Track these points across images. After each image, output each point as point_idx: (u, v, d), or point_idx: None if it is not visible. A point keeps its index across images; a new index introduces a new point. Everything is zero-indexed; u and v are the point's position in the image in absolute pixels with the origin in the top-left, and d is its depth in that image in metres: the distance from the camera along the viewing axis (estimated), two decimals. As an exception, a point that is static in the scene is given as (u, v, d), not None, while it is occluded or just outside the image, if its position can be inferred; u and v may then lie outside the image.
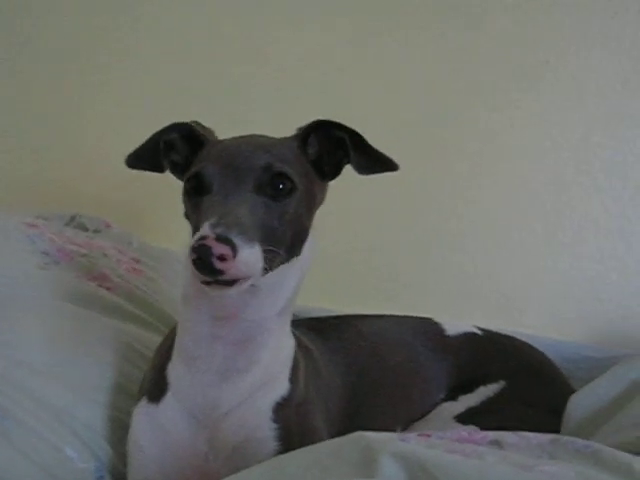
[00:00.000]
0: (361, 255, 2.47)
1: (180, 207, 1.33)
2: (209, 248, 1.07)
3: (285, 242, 1.25)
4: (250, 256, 1.12)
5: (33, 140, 2.72)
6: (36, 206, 2.27)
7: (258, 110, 2.45)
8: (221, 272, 1.09)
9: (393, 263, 2.46)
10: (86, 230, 2.14)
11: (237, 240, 1.10)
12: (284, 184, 1.25)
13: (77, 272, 1.78)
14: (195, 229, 1.21)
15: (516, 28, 2.36)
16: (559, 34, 2.33)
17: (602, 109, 2.32)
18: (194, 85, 2.57)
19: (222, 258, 1.08)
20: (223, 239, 1.08)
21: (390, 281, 2.45)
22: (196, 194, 1.25)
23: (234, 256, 1.09)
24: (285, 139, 1.36)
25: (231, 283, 1.13)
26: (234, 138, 1.36)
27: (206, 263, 1.08)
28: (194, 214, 1.25)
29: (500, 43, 2.37)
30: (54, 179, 2.65)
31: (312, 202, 1.34)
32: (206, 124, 1.44)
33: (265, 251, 1.16)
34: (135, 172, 1.45)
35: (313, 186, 1.34)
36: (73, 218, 2.19)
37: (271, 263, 1.19)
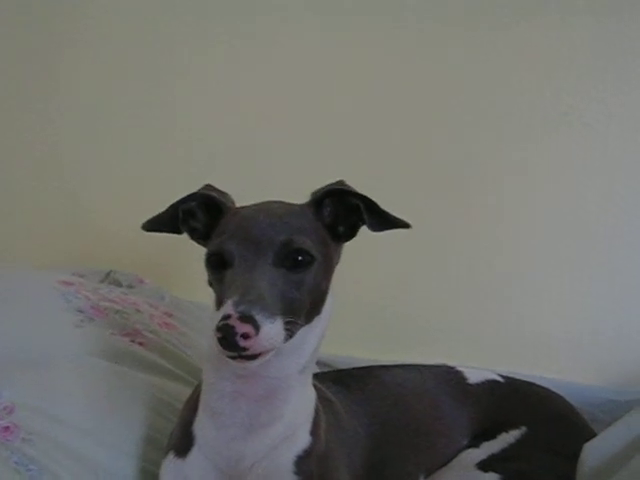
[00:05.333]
0: (389, 303, 2.50)
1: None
2: (232, 327, 1.13)
3: (304, 310, 1.29)
4: (271, 331, 1.16)
5: (69, 196, 2.80)
6: (72, 260, 2.34)
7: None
8: (245, 349, 1.14)
9: (421, 311, 2.49)
10: (120, 286, 2.20)
11: (259, 317, 1.15)
12: (303, 257, 1.28)
13: (111, 329, 1.84)
14: (218, 301, 1.27)
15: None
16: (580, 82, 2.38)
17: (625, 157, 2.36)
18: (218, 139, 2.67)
19: (245, 336, 1.13)
20: (246, 318, 1.13)
21: (418, 328, 2.48)
22: (218, 268, 1.30)
23: (257, 333, 1.14)
24: (301, 207, 1.40)
25: (254, 357, 1.18)
26: (251, 208, 1.39)
27: (230, 342, 1.13)
28: (217, 286, 1.30)
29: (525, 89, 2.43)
30: (89, 235, 2.73)
31: (329, 267, 1.38)
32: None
33: (286, 322, 1.21)
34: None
35: (329, 252, 1.38)
36: (108, 274, 2.25)
37: (292, 332, 1.24)
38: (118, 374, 1.70)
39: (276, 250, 1.27)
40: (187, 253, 1.96)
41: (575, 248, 2.40)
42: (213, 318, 1.22)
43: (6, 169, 2.84)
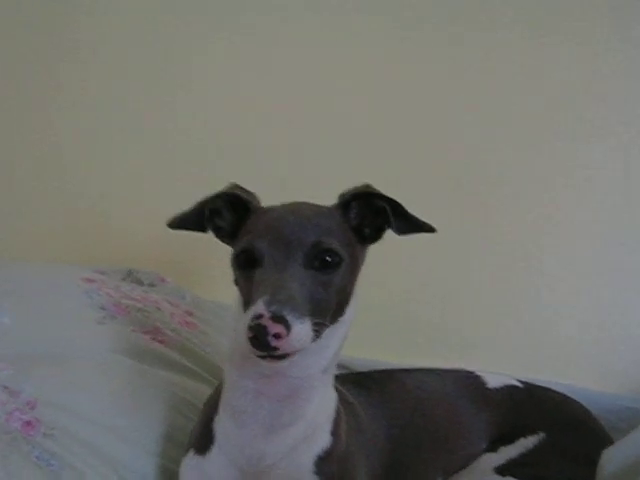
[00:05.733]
0: (411, 306, 2.50)
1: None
2: (265, 327, 1.13)
3: (331, 310, 1.30)
4: (301, 331, 1.17)
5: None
6: (94, 261, 2.35)
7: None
8: (275, 349, 1.15)
9: (442, 315, 2.49)
10: (142, 284, 2.20)
11: (290, 317, 1.15)
12: (332, 258, 1.29)
13: (133, 326, 1.85)
14: (246, 299, 1.27)
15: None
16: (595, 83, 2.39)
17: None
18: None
19: (277, 336, 1.13)
20: (277, 318, 1.14)
21: (439, 332, 2.48)
22: (247, 267, 1.30)
23: (288, 334, 1.14)
24: (329, 209, 1.40)
25: (284, 356, 1.19)
26: (280, 208, 1.39)
27: (262, 341, 1.14)
28: (245, 286, 1.30)
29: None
30: (111, 236, 2.71)
31: (355, 269, 1.39)
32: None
33: (314, 323, 1.21)
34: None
35: (356, 253, 1.38)
36: (130, 273, 2.26)
37: (319, 333, 1.24)
38: (140, 372, 1.71)
39: (306, 251, 1.28)
40: (208, 253, 1.98)
41: (593, 257, 2.40)
42: (239, 317, 1.23)
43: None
